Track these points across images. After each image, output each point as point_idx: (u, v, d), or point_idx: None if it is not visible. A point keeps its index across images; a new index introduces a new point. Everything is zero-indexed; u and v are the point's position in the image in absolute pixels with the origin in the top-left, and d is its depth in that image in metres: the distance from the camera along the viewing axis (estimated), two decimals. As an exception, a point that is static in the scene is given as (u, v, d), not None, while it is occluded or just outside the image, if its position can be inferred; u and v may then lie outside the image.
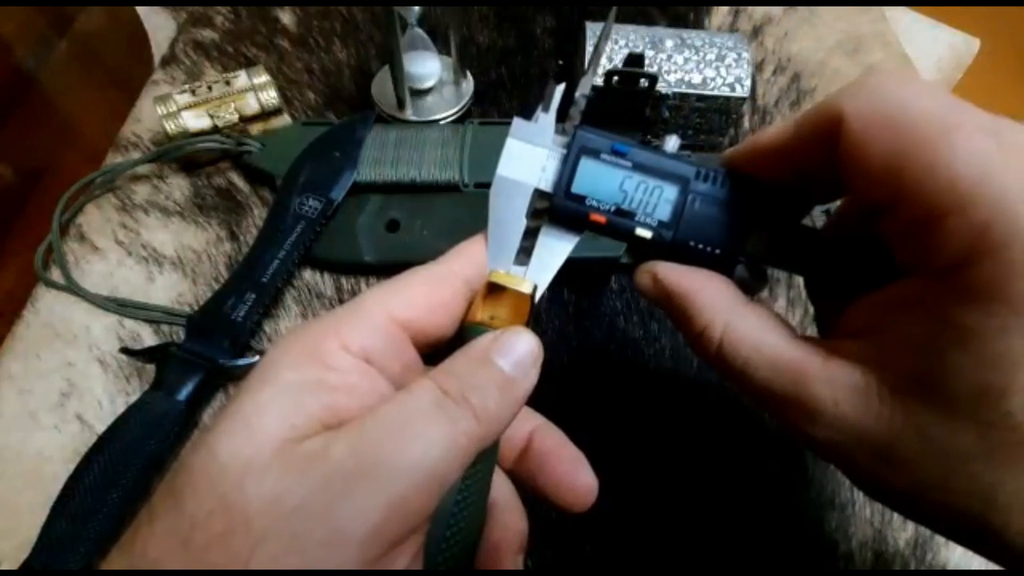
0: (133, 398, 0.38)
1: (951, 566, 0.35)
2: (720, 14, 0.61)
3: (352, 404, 0.18)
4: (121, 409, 0.37)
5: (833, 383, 0.18)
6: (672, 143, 0.24)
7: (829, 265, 0.23)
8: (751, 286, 0.23)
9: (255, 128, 0.48)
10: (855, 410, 0.18)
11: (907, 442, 0.17)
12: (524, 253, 0.23)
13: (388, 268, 0.42)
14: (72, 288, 0.42)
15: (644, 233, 0.23)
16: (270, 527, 0.15)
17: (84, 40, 0.62)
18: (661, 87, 0.45)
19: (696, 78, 0.46)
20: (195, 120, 0.46)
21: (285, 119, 0.49)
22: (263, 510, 0.15)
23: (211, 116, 0.46)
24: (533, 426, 0.24)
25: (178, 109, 0.46)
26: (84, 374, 0.39)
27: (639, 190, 0.23)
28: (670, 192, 0.23)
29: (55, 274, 0.43)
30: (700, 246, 0.23)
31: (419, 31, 0.48)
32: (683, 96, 0.46)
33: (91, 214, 0.46)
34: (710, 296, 0.21)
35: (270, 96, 0.47)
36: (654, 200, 0.23)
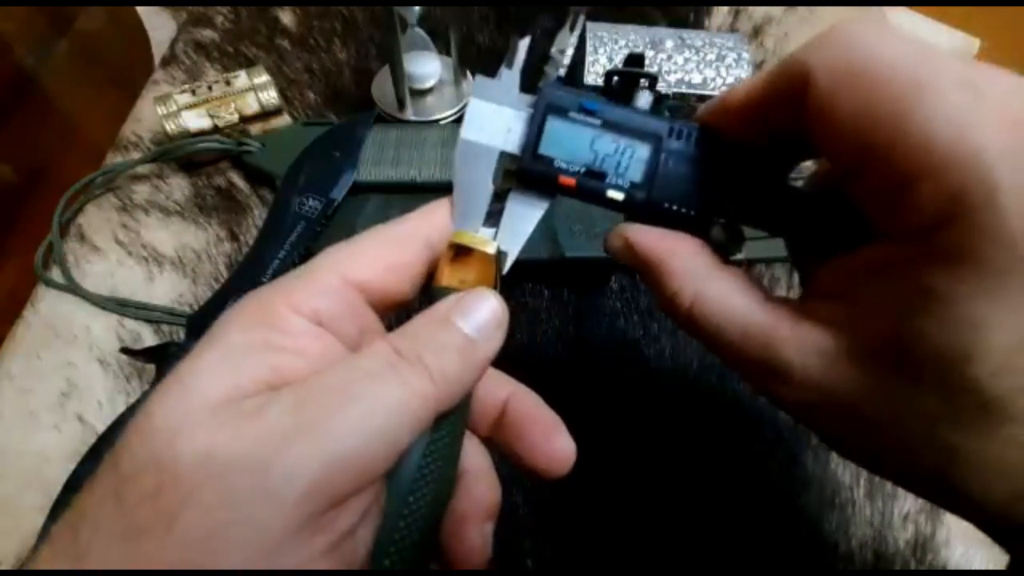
0: (133, 398, 0.38)
1: (951, 566, 0.35)
2: (720, 14, 0.61)
3: (301, 366, 0.17)
4: (121, 409, 0.37)
5: (802, 346, 0.18)
6: (644, 99, 0.23)
7: (804, 226, 0.22)
8: (728, 247, 0.22)
9: (255, 128, 0.48)
10: (823, 373, 0.18)
11: (874, 405, 0.17)
12: (493, 218, 0.22)
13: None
14: (72, 288, 0.42)
15: (616, 195, 0.22)
16: (200, 483, 0.15)
17: (84, 40, 0.62)
18: (661, 87, 0.45)
19: (696, 78, 0.46)
20: (195, 120, 0.46)
21: (285, 119, 0.49)
22: (193, 466, 0.15)
23: (211, 116, 0.46)
24: (508, 392, 0.23)
25: (178, 109, 0.46)
26: (84, 374, 0.39)
27: (610, 150, 0.22)
28: (642, 151, 0.22)
29: (55, 274, 0.43)
30: (674, 207, 0.22)
31: (419, 31, 0.48)
32: (683, 96, 0.46)
33: (91, 214, 0.46)
34: (681, 261, 0.21)
35: (270, 96, 0.47)
36: (626, 160, 0.22)
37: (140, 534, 0.14)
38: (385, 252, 0.20)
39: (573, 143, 0.22)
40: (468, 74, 0.52)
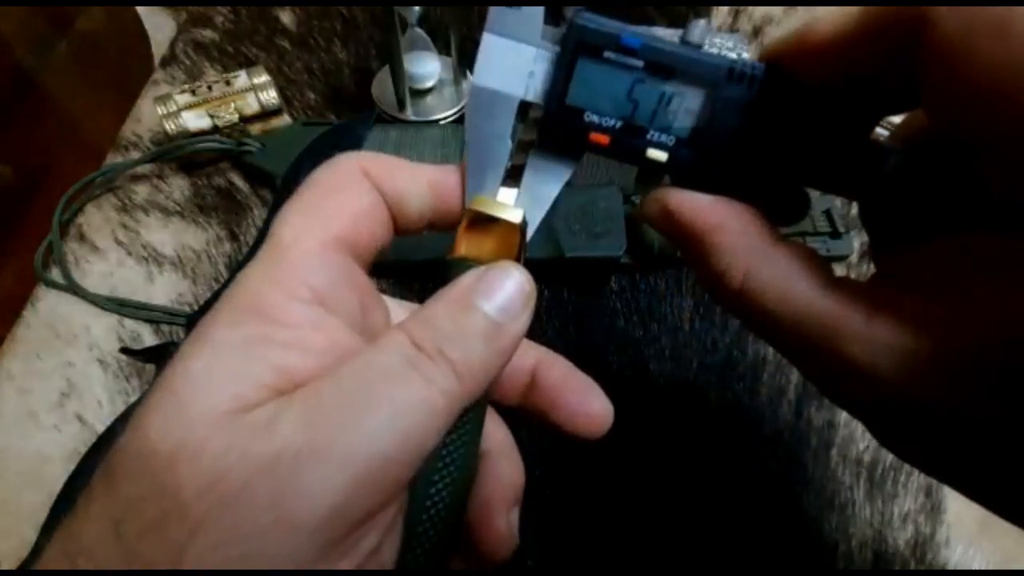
0: (133, 398, 0.38)
1: (951, 566, 0.35)
2: (720, 14, 0.60)
3: (308, 363, 0.15)
4: (121, 409, 0.37)
5: (875, 344, 0.15)
6: (698, 31, 0.18)
7: (895, 196, 0.18)
8: (789, 215, 0.19)
9: (255, 128, 0.48)
10: (899, 376, 0.15)
11: (962, 420, 0.15)
12: (513, 177, 0.19)
13: (387, 268, 0.42)
14: (72, 288, 0.42)
15: (658, 155, 0.18)
16: (208, 514, 0.13)
17: (84, 40, 0.62)
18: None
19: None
20: (195, 120, 0.46)
21: (285, 119, 0.49)
22: (199, 495, 0.13)
23: (211, 116, 0.46)
24: (536, 358, 0.22)
25: (178, 109, 0.46)
26: (84, 374, 0.39)
27: (652, 99, 0.18)
28: (692, 100, 0.18)
29: (55, 274, 0.43)
30: (728, 168, 0.18)
31: (419, 31, 0.48)
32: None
33: (91, 214, 0.46)
34: (731, 235, 0.18)
35: (270, 96, 0.47)
36: (672, 111, 0.18)
37: (144, 569, 0.13)
38: (337, 201, 0.18)
39: (608, 90, 0.18)
40: (468, 74, 0.52)
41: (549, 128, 0.19)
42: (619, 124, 0.18)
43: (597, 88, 0.18)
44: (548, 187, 0.19)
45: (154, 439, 0.14)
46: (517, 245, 0.19)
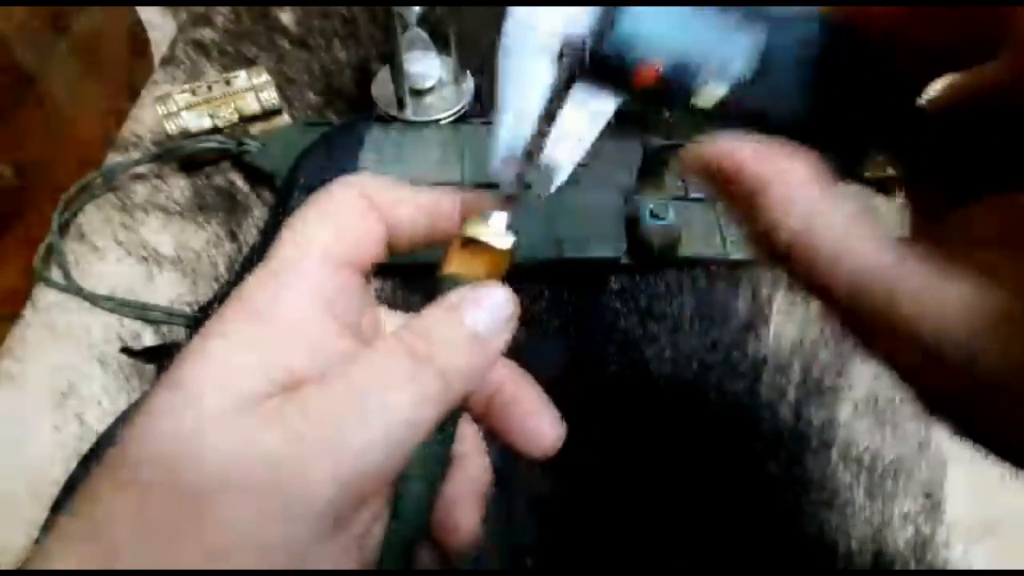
0: (133, 398, 0.38)
1: (951, 566, 0.35)
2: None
3: (311, 364, 0.17)
4: (121, 409, 0.37)
5: (941, 303, 0.15)
6: None
7: (960, 150, 0.17)
8: (845, 169, 0.18)
9: (255, 128, 0.48)
10: (967, 338, 0.14)
11: None
12: (509, 202, 0.19)
13: (387, 268, 0.42)
14: (72, 288, 0.42)
15: (713, 91, 0.17)
16: (218, 499, 0.14)
17: (84, 40, 0.61)
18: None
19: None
20: (195, 120, 0.46)
21: (285, 119, 0.49)
22: (211, 481, 0.14)
23: (211, 116, 0.46)
24: (503, 374, 0.23)
25: (178, 109, 0.46)
26: (84, 374, 0.39)
27: (709, 33, 0.17)
28: (747, 38, 0.17)
29: (55, 274, 0.43)
30: (782, 115, 0.18)
31: (419, 31, 0.48)
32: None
33: (91, 214, 0.46)
34: (787, 184, 0.17)
35: (270, 96, 0.47)
36: (728, 48, 0.17)
37: (166, 542, 0.14)
38: (338, 222, 0.19)
39: (660, 24, 0.17)
40: (468, 74, 0.52)
41: (594, 61, 0.17)
42: (672, 58, 0.17)
43: (648, 20, 0.17)
44: (587, 127, 0.18)
45: (163, 431, 0.15)
46: (504, 267, 0.20)
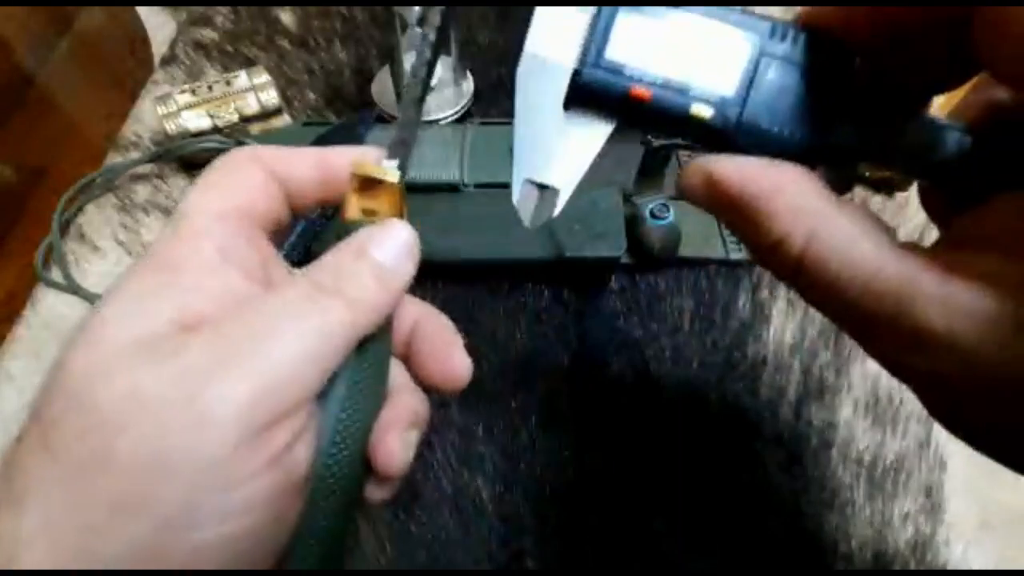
0: (133, 398, 0.38)
1: (951, 566, 0.35)
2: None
3: (208, 305, 0.17)
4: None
5: (950, 306, 0.15)
6: None
7: (945, 160, 0.18)
8: (836, 185, 0.18)
9: (255, 128, 0.48)
10: (978, 340, 0.14)
11: None
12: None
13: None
14: (72, 288, 0.42)
15: (702, 111, 0.18)
16: (128, 419, 0.15)
17: (84, 40, 0.61)
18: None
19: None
20: (195, 120, 0.46)
21: (285, 119, 0.49)
22: (118, 405, 0.15)
23: (211, 116, 0.46)
24: (418, 314, 0.23)
25: (178, 109, 0.46)
26: (84, 374, 0.39)
27: (695, 54, 0.18)
28: (737, 56, 0.18)
29: (55, 274, 0.43)
30: (775, 129, 0.18)
31: (419, 31, 0.48)
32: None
33: (91, 214, 0.46)
34: (789, 197, 0.17)
35: (270, 96, 0.47)
36: (716, 67, 0.18)
37: (76, 472, 0.15)
38: (232, 179, 0.20)
39: (650, 45, 0.18)
40: (468, 74, 0.52)
41: (586, 85, 0.18)
42: (661, 80, 0.18)
43: (639, 42, 0.18)
44: (582, 152, 0.19)
45: (71, 370, 0.16)
46: (399, 203, 0.21)
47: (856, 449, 0.38)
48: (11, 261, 0.46)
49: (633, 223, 0.42)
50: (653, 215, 0.41)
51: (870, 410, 0.39)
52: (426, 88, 0.21)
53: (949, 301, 0.15)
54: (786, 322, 0.42)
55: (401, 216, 0.21)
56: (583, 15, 0.18)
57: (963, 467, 0.37)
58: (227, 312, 0.17)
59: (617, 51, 0.18)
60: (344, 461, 0.19)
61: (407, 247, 0.20)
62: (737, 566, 0.34)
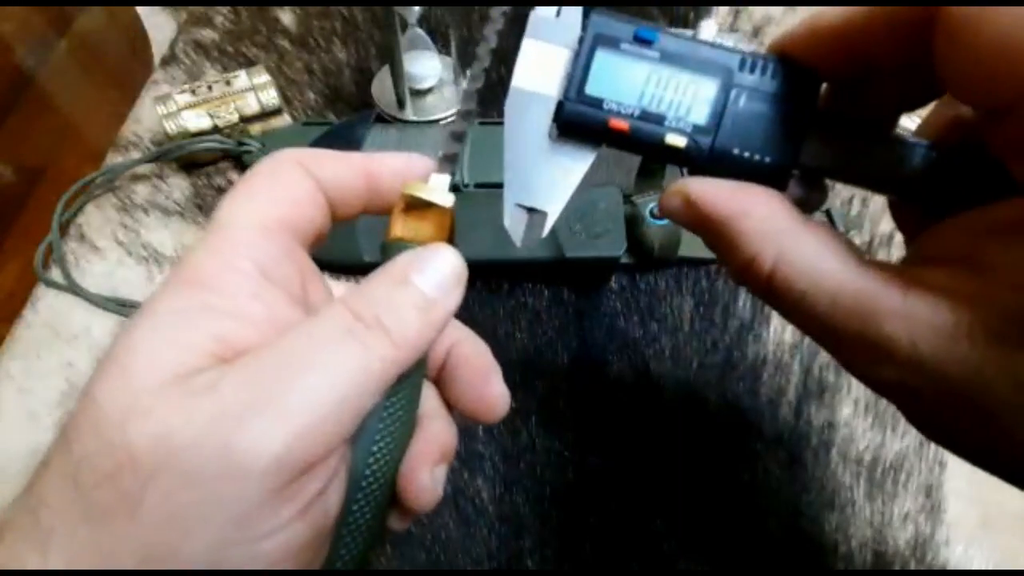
0: (133, 398, 0.38)
1: (951, 566, 0.35)
2: (720, 14, 0.60)
3: (247, 333, 0.16)
4: (121, 409, 0.37)
5: (912, 320, 0.15)
6: (708, 28, 0.20)
7: (918, 177, 0.19)
8: (807, 202, 0.19)
9: (255, 128, 0.48)
10: (938, 352, 0.15)
11: (999, 393, 0.15)
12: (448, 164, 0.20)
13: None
14: (72, 288, 0.42)
15: (676, 141, 0.19)
16: (159, 464, 0.14)
17: (84, 40, 0.62)
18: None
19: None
20: (195, 120, 0.46)
21: (285, 119, 0.49)
22: (149, 448, 0.14)
23: (211, 116, 0.46)
24: (456, 338, 0.22)
25: (178, 109, 0.46)
26: (84, 374, 0.39)
27: (669, 87, 0.19)
28: (708, 88, 0.19)
29: (55, 274, 0.43)
30: (746, 154, 0.19)
31: (419, 31, 0.48)
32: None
33: (91, 214, 0.46)
34: (758, 218, 0.18)
35: (270, 96, 0.47)
36: (688, 99, 0.19)
37: (104, 516, 0.14)
38: (274, 186, 0.19)
39: (626, 79, 0.19)
40: (467, 74, 0.52)
41: (569, 117, 0.19)
42: (638, 112, 0.19)
43: (616, 77, 0.19)
44: (567, 178, 0.20)
45: (102, 404, 0.15)
46: (449, 227, 0.20)
47: (856, 449, 0.38)
48: (11, 261, 0.46)
49: (633, 223, 0.42)
50: (653, 215, 0.41)
51: (870, 410, 0.39)
52: (475, 98, 0.21)
53: (910, 315, 0.15)
54: (786, 322, 0.42)
55: (450, 240, 0.20)
56: (565, 51, 0.20)
57: (963, 467, 0.37)
58: (265, 339, 0.16)
59: (596, 86, 0.19)
60: (373, 500, 0.18)
61: (454, 275, 0.18)
62: (737, 566, 0.34)
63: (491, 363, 0.22)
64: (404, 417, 0.19)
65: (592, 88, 0.19)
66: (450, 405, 0.22)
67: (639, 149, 0.20)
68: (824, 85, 0.19)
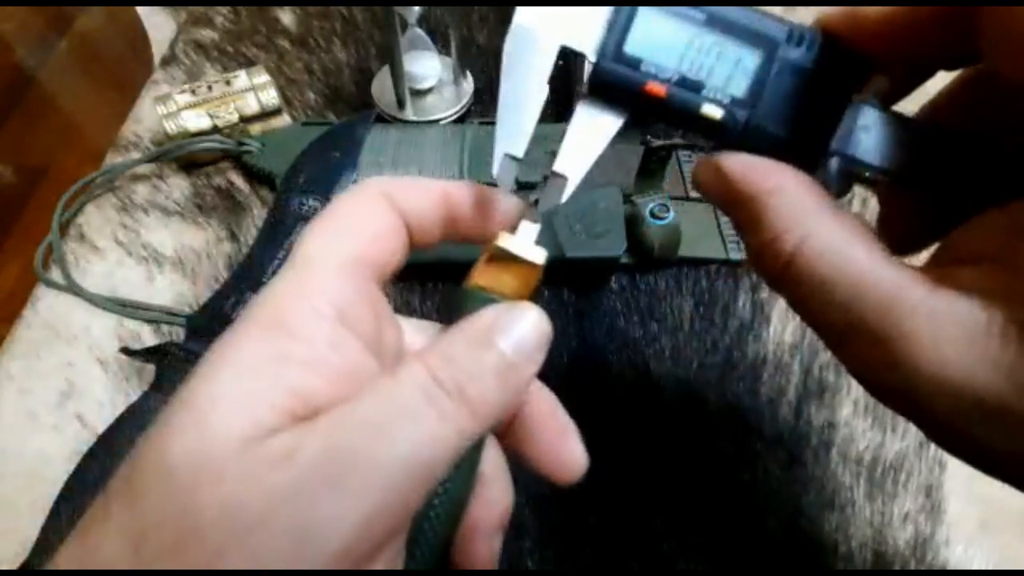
0: (133, 398, 0.38)
1: (951, 566, 0.35)
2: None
3: (323, 386, 0.16)
4: (121, 409, 0.37)
5: (936, 317, 0.15)
6: None
7: (952, 170, 0.18)
8: (834, 188, 0.19)
9: (255, 128, 0.48)
10: (963, 353, 0.14)
11: None
12: (526, 189, 0.19)
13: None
14: (72, 288, 0.42)
15: (712, 112, 0.18)
16: (228, 542, 0.13)
17: (84, 40, 0.62)
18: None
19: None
20: (195, 120, 0.46)
21: (285, 119, 0.49)
22: (219, 522, 0.13)
23: (211, 116, 0.46)
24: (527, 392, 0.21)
25: (178, 109, 0.46)
26: (84, 374, 0.39)
27: (712, 54, 0.18)
28: (751, 59, 0.18)
29: (55, 274, 0.43)
30: (781, 133, 0.18)
31: (419, 31, 0.48)
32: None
33: (91, 214, 0.46)
34: (789, 197, 0.17)
35: (270, 96, 0.47)
36: (728, 68, 0.18)
37: None
38: (358, 221, 0.18)
39: (668, 41, 0.18)
40: (468, 74, 0.52)
41: (603, 76, 0.18)
42: (676, 77, 0.18)
43: (658, 37, 0.18)
44: (593, 141, 0.19)
45: (174, 459, 0.14)
46: (535, 284, 0.19)
47: (856, 449, 0.38)
48: (11, 261, 0.46)
49: (633, 223, 0.42)
50: (653, 215, 0.41)
51: (870, 410, 0.39)
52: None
53: (935, 311, 0.15)
54: (786, 322, 0.42)
55: (533, 297, 0.19)
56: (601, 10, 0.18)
57: (963, 467, 0.37)
58: (339, 394, 0.16)
59: (636, 45, 0.18)
60: (428, 565, 0.17)
61: (538, 339, 0.17)
62: (737, 566, 0.34)
63: (567, 421, 0.21)
64: (464, 482, 0.18)
65: (631, 47, 0.18)
66: (524, 462, 0.21)
67: (671, 118, 0.19)
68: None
